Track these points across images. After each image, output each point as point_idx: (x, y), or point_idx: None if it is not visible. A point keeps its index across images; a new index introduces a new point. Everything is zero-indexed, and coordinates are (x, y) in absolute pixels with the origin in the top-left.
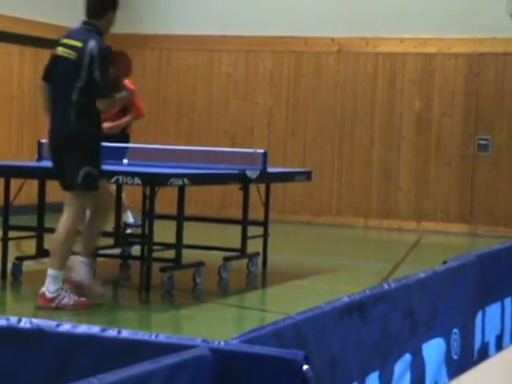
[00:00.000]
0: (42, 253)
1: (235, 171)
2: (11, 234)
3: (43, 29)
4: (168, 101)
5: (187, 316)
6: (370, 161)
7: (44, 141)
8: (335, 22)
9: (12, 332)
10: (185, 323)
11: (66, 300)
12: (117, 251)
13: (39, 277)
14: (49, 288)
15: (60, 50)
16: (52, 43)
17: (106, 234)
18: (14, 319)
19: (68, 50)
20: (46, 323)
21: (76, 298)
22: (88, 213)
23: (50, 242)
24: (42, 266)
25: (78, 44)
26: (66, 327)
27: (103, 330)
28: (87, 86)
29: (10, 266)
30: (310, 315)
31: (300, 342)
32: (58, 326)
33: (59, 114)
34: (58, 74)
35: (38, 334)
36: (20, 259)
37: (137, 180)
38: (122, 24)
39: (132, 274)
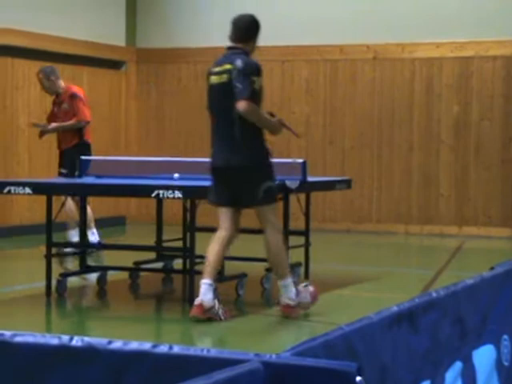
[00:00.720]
0: (85, 269)
1: None
2: (54, 250)
3: (81, 47)
4: (205, 114)
5: (231, 328)
6: (410, 167)
7: (85, 157)
8: (370, 29)
9: (64, 350)
10: (229, 335)
11: (307, 298)
12: (159, 265)
13: (84, 293)
14: (291, 297)
15: (213, 79)
16: (88, 61)
17: (147, 248)
18: (65, 337)
19: (221, 75)
20: (97, 341)
21: (312, 289)
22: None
23: (270, 257)
24: (86, 282)
25: (228, 66)
26: (117, 344)
27: (155, 346)
28: None
29: (54, 282)
30: (359, 325)
31: (350, 353)
32: (109, 343)
33: (225, 139)
34: (216, 101)
35: (89, 351)
36: (64, 275)
37: (177, 193)
38: (156, 39)
39: (175, 288)
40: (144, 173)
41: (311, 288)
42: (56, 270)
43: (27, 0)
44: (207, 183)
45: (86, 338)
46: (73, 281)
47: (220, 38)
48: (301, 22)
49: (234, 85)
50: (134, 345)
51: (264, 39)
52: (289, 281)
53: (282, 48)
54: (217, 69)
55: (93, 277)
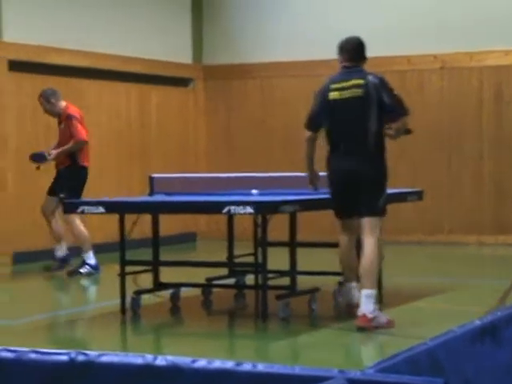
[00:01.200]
0: (158, 286)
1: None
2: (128, 268)
3: (149, 66)
4: (273, 129)
5: (306, 343)
6: (481, 176)
7: (156, 175)
8: (437, 39)
9: (148, 369)
10: (304, 351)
11: (381, 319)
12: (231, 281)
13: (157, 310)
14: (368, 308)
15: (337, 95)
16: (156, 79)
17: (219, 265)
18: (149, 357)
19: (351, 90)
20: (181, 359)
21: (387, 317)
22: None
23: (362, 265)
24: (159, 299)
25: (360, 81)
26: (201, 363)
27: (238, 365)
28: (378, 116)
29: (128, 300)
30: (443, 340)
31: (435, 368)
32: (193, 361)
33: (354, 152)
34: (345, 115)
35: (173, 370)
36: (138, 293)
37: (249, 209)
38: (222, 55)
39: (247, 303)
40: (213, 189)
41: (388, 316)
42: (130, 287)
43: (94, 21)
44: (278, 198)
45: (170, 357)
46: (146, 298)
47: (285, 53)
48: (369, 33)
49: (379, 99)
50: (217, 363)
51: (332, 52)
52: (373, 293)
53: None
54: (339, 85)
55: (166, 294)
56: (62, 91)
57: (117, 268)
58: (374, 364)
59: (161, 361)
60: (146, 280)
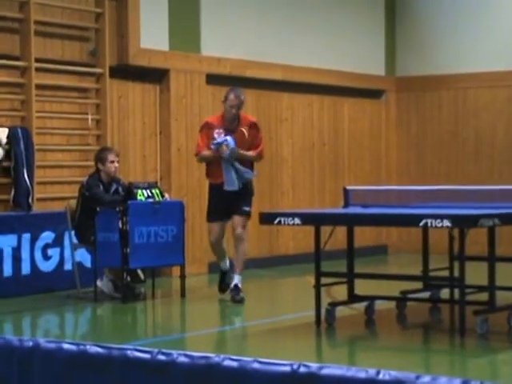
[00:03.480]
0: (353, 298)
1: None
2: (323, 280)
3: (341, 78)
4: (465, 141)
5: (505, 361)
6: None
7: (350, 188)
8: None
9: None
10: (503, 368)
11: None
12: (426, 295)
13: (352, 322)
14: None
15: None
16: (348, 91)
17: (415, 278)
18: (372, 371)
19: None
20: (405, 375)
21: None
22: None
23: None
24: (354, 312)
25: None
26: (426, 379)
27: (465, 382)
28: None
29: (323, 311)
30: None
31: None
32: (417, 377)
33: None
34: None
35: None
36: (333, 305)
37: (446, 222)
38: (416, 66)
39: (443, 318)
40: (406, 202)
41: None
42: (323, 299)
43: (288, 35)
44: (477, 211)
45: (394, 372)
46: (340, 310)
47: (483, 62)
48: None
49: None
50: (443, 380)
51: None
52: None
53: None
54: None
55: (360, 306)
56: (257, 104)
57: (311, 279)
58: None
59: (384, 375)
60: (339, 292)
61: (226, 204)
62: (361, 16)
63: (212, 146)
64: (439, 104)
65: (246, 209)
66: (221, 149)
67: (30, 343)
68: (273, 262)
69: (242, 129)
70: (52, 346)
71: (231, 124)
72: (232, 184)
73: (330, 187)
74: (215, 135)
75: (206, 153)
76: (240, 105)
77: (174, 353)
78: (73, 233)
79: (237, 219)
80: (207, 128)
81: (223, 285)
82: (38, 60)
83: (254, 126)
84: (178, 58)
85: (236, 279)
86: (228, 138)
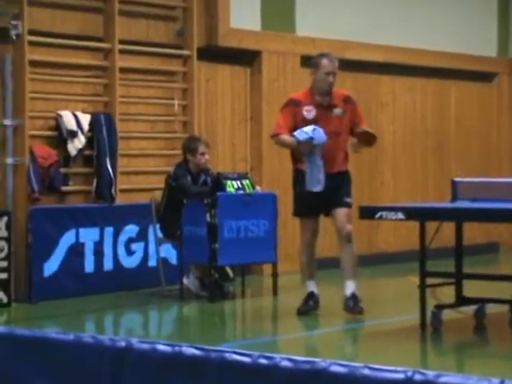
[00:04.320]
0: (461, 301)
1: None
2: (428, 280)
3: (448, 60)
4: None
5: None
6: None
7: (459, 180)
8: None
9: None
10: None
11: None
12: None
13: (460, 327)
14: None
15: None
16: (455, 74)
17: None
18: (496, 380)
19: None
20: None
21: None
22: None
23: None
24: (462, 315)
25: None
26: None
27: None
28: None
29: (428, 314)
30: None
31: None
32: None
33: None
34: None
35: None
36: (439, 308)
37: None
38: None
39: None
40: None
41: None
42: (429, 301)
43: (392, 14)
44: None
45: (508, 381)
46: (447, 313)
47: None
48: None
49: None
50: None
51: None
52: None
53: None
54: None
55: (469, 309)
56: (355, 88)
57: (414, 279)
58: None
59: None
60: (446, 294)
61: (320, 195)
62: None
63: (292, 139)
64: None
65: (348, 200)
66: (303, 148)
67: (123, 343)
68: (372, 259)
69: (337, 108)
70: (146, 346)
71: (323, 98)
72: (317, 184)
73: (434, 178)
74: (304, 113)
75: (285, 138)
76: (336, 72)
77: (277, 356)
78: (157, 226)
79: (341, 213)
80: (292, 105)
81: (307, 306)
82: (121, 42)
83: (349, 100)
84: (271, 39)
85: (351, 287)
86: (313, 130)
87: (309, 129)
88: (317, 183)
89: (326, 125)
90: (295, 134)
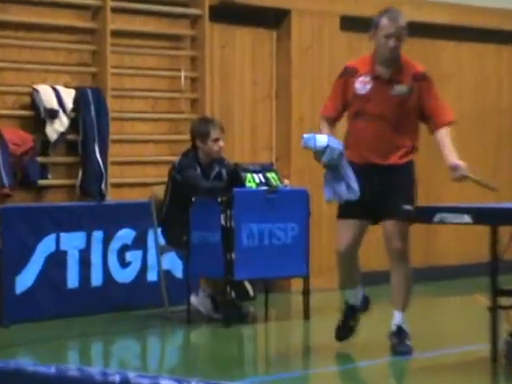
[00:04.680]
0: None
1: None
2: (501, 300)
3: None
4: None
5: None
6: None
7: None
8: None
9: None
10: None
11: None
12: None
13: None
14: None
15: None
16: None
17: None
18: None
19: None
20: None
21: None
22: None
23: None
24: None
25: None
26: None
27: None
28: None
29: (501, 343)
30: None
31: None
32: None
33: None
34: None
35: None
36: None
37: None
38: None
39: None
40: None
41: None
42: (503, 326)
43: None
44: None
45: None
46: None
47: None
48: None
49: None
50: None
51: None
52: None
53: None
54: None
55: None
56: (411, 55)
57: (482, 299)
58: None
59: None
60: None
61: (371, 195)
62: None
63: (302, 143)
64: None
65: (407, 207)
66: (316, 157)
67: (117, 378)
68: (429, 274)
69: (399, 84)
70: (146, 382)
71: (386, 70)
72: (340, 195)
73: (510, 170)
74: (357, 85)
75: (322, 126)
76: (401, 33)
77: None
78: (159, 231)
79: (391, 226)
80: (347, 75)
81: (345, 328)
82: None
83: (422, 78)
84: None
85: (398, 318)
86: (326, 139)
87: (323, 138)
88: (350, 192)
89: (380, 104)
90: (304, 136)
